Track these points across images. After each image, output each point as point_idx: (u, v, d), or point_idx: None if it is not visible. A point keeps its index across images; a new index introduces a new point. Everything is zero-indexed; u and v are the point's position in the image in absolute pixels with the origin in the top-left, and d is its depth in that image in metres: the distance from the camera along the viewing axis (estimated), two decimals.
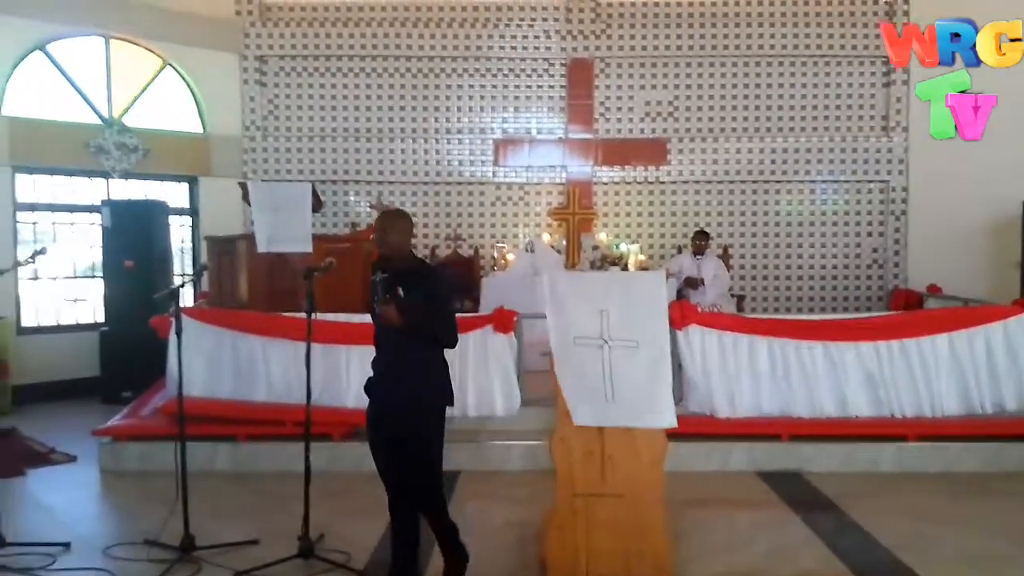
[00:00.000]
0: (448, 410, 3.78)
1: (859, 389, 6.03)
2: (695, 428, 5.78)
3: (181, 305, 4.32)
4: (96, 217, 8.73)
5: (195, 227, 9.81)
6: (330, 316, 5.65)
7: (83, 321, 8.97)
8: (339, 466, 5.56)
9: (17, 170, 8.45)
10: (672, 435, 3.87)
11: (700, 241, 8.32)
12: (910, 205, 10.14)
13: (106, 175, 9.02)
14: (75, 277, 9.08)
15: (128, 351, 8.02)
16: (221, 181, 9.64)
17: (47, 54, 8.71)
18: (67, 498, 5.42)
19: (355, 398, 6.08)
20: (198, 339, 6.01)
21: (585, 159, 10.31)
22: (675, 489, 4.22)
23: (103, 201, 8.66)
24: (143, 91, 9.41)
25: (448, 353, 3.80)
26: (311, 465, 4.11)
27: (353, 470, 5.41)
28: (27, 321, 8.60)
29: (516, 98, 10.35)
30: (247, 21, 9.96)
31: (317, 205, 7.12)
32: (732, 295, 9.24)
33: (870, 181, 10.23)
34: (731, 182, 10.31)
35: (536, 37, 10.21)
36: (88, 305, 9.07)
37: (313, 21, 10.19)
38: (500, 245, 10.13)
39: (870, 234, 10.32)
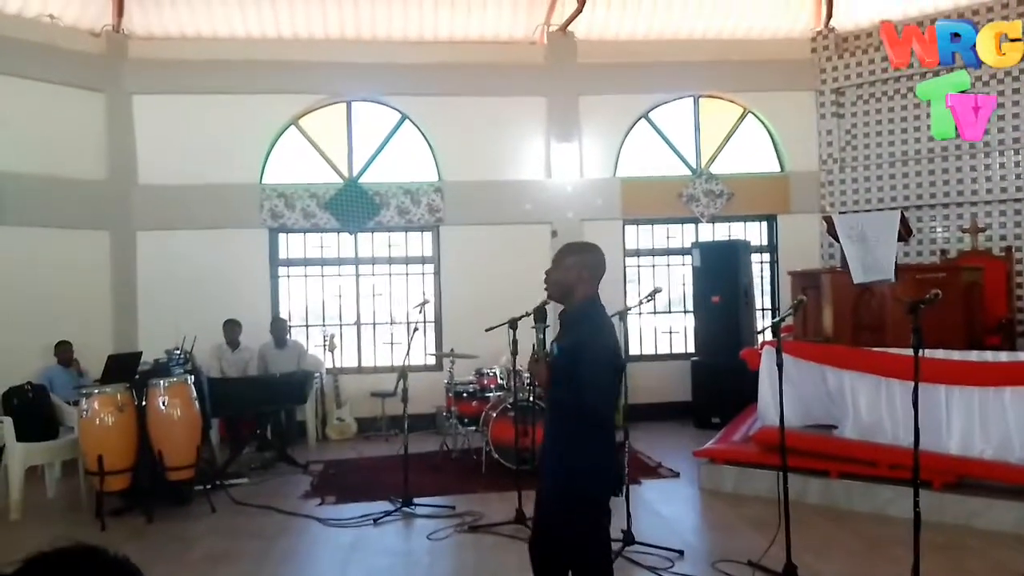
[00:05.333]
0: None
1: None
2: None
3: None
4: (687, 259, 9.73)
5: (773, 263, 10.18)
6: (926, 352, 5.26)
7: (676, 351, 10.07)
8: (941, 517, 5.10)
9: (626, 222, 9.98)
10: None
11: None
12: None
13: (695, 220, 10.03)
14: (669, 312, 10.26)
15: (716, 380, 8.72)
16: (799, 217, 9.90)
17: (648, 120, 10.11)
18: (676, 510, 6.10)
19: (957, 444, 5.59)
20: (787, 371, 6.17)
21: None
22: None
23: (693, 244, 9.63)
24: (726, 140, 10.19)
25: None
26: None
27: (960, 524, 4.98)
28: (632, 350, 10.01)
29: None
30: (823, 57, 10.00)
31: (906, 233, 6.76)
32: None
33: None
34: None
35: None
36: (680, 337, 10.15)
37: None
38: None
39: None
